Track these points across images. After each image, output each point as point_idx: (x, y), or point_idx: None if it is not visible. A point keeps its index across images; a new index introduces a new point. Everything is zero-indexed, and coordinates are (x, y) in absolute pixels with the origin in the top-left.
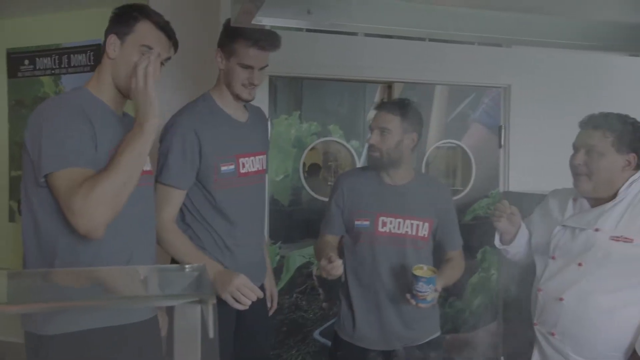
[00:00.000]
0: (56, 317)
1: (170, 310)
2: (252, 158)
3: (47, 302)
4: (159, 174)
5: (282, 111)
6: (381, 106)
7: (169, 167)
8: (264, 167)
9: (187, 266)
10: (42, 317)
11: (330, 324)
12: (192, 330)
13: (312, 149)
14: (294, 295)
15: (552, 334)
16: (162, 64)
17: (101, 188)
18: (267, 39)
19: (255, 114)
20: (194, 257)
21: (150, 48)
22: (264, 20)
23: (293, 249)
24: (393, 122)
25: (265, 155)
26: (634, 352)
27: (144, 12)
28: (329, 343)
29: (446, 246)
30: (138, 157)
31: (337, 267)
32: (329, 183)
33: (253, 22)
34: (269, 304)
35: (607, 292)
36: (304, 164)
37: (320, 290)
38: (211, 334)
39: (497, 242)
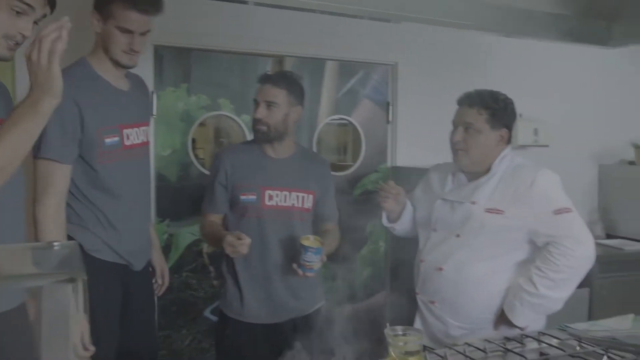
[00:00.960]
0: None
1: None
2: (136, 129)
3: None
4: (37, 149)
5: (168, 83)
6: (265, 79)
7: (48, 140)
8: (148, 139)
9: (55, 243)
10: None
11: None
12: (62, 311)
13: (202, 124)
14: (184, 274)
15: (433, 303)
16: (35, 22)
17: None
18: (148, 2)
19: (136, 83)
20: None
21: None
22: None
23: (182, 227)
24: (280, 95)
25: (148, 127)
26: (502, 312)
27: None
28: None
29: (325, 218)
30: (27, 140)
31: (246, 245)
32: None
33: None
34: (160, 281)
35: (481, 260)
36: (193, 140)
37: (211, 268)
38: (82, 313)
39: (384, 220)
